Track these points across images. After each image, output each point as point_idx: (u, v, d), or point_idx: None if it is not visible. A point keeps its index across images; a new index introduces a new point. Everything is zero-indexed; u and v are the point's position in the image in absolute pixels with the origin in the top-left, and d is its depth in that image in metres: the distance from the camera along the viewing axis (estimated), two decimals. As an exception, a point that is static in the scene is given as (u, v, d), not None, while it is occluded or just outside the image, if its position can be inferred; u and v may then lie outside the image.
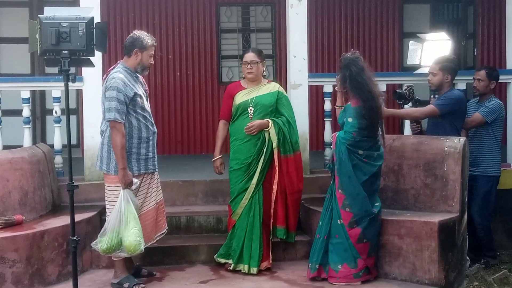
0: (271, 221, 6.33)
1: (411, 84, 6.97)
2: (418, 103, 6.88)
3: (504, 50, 8.18)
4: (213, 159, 6.42)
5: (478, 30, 10.99)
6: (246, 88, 6.38)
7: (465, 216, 6.18)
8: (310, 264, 5.94)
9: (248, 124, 6.21)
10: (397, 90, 6.85)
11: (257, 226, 6.21)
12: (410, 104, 7.01)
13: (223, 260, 6.33)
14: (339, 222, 5.78)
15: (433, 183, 6.17)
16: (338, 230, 5.79)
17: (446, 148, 6.16)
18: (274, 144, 6.20)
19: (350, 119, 5.80)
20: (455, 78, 6.81)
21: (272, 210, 6.30)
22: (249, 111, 6.27)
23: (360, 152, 5.79)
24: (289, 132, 6.27)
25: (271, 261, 6.30)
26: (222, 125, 6.46)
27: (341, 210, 5.76)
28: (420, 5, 11.19)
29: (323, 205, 6.04)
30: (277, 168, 6.25)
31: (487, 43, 10.98)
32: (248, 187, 6.23)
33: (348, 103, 5.88)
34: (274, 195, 6.28)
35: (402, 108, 7.13)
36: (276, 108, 6.33)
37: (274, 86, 6.43)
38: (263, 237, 6.25)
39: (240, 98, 6.33)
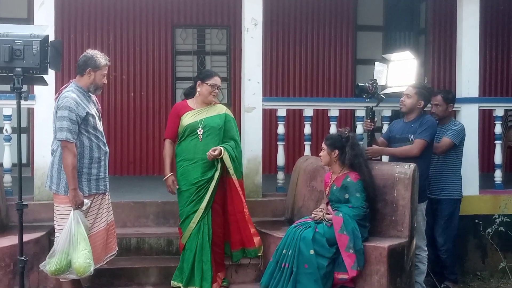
0: (224, 242, 6.38)
1: (375, 78, 6.86)
2: (381, 100, 6.84)
3: (454, 78, 8.33)
4: (165, 178, 6.32)
5: (429, 58, 11.21)
6: (194, 109, 6.35)
7: (414, 241, 6.25)
8: None
9: (212, 154, 6.12)
10: (359, 84, 6.72)
11: (206, 247, 6.19)
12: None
13: (176, 284, 6.26)
14: (311, 253, 5.76)
15: (383, 208, 6.24)
16: (309, 260, 5.75)
17: (396, 174, 6.25)
18: (231, 171, 6.23)
19: (358, 194, 5.93)
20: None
21: (225, 231, 6.37)
22: (199, 133, 6.25)
23: (368, 224, 6.00)
24: (239, 155, 6.37)
25: (220, 284, 6.30)
26: (169, 144, 6.37)
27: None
28: (373, 32, 11.34)
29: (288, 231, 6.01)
30: (239, 190, 6.31)
31: (438, 71, 11.21)
32: (197, 209, 6.20)
33: (348, 179, 5.98)
34: (232, 218, 6.38)
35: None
36: (225, 129, 6.35)
37: (222, 109, 6.45)
38: (213, 258, 6.24)
39: (188, 119, 6.29)
